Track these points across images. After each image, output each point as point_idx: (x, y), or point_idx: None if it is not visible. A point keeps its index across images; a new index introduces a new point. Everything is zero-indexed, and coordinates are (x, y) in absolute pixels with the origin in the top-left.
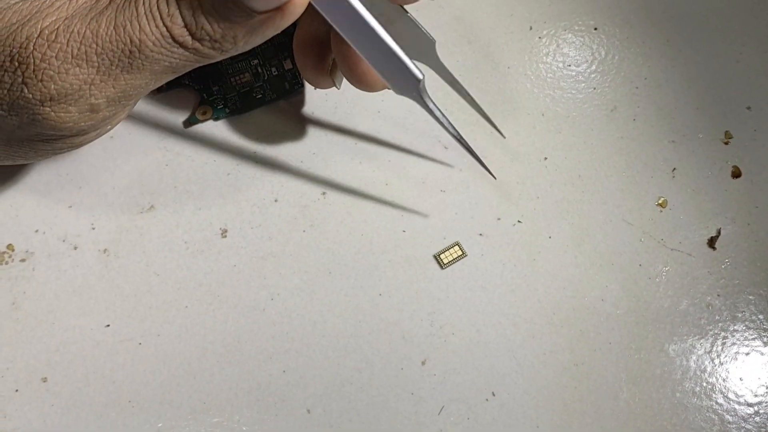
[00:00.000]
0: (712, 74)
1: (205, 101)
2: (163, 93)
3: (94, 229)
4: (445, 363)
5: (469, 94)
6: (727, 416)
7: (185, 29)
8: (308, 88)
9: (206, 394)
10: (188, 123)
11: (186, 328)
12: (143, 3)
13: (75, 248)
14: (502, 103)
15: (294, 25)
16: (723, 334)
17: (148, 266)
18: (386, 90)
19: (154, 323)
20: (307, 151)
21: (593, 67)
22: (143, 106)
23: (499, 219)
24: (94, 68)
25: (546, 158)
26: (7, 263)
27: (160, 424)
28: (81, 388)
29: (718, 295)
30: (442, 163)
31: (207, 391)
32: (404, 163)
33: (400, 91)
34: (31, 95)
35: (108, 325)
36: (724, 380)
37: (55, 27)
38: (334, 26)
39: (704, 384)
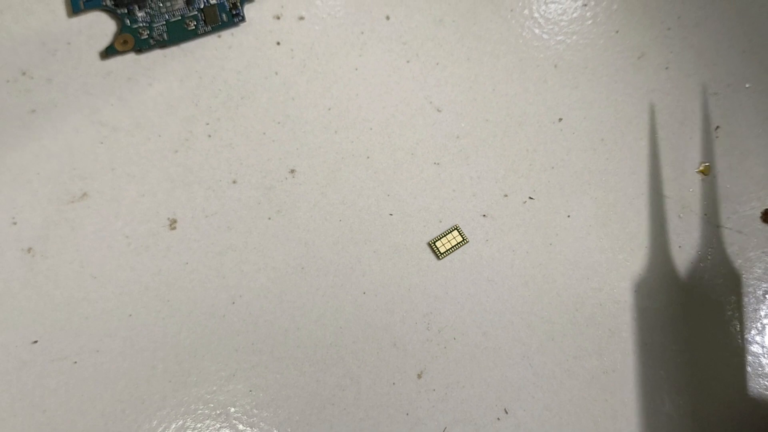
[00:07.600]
0: (760, 8)
1: (127, 28)
2: (80, 14)
3: (15, 224)
4: (446, 375)
5: None
6: None
7: None
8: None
9: (157, 423)
10: (106, 53)
11: (131, 342)
12: None
13: None
14: (504, 54)
15: None
16: None
17: (83, 267)
18: (365, 42)
19: (92, 337)
20: (269, 119)
21: (615, 6)
22: (62, 36)
23: (506, 196)
24: None
25: (561, 119)
26: None
27: None
28: (4, 419)
29: None
30: (434, 129)
31: (158, 418)
32: (389, 130)
33: None
34: None
35: (36, 341)
36: None
37: None
38: None
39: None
